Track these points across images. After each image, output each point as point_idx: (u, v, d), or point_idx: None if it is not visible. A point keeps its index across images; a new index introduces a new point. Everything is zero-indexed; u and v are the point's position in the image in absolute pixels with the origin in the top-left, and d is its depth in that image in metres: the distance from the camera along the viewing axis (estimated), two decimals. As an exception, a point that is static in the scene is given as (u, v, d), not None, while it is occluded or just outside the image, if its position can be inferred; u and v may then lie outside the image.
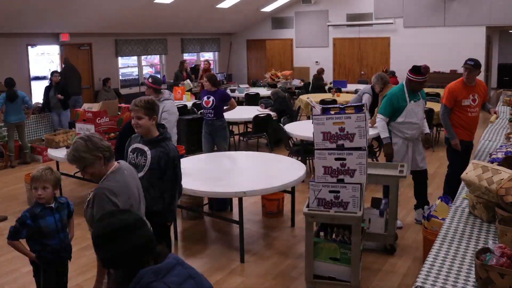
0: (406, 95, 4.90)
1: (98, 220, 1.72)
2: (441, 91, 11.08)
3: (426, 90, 11.24)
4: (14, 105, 8.12)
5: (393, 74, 12.38)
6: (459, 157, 5.13)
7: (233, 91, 12.03)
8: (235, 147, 8.88)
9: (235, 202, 5.40)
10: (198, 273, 1.70)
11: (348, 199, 3.58)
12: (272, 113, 8.48)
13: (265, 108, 8.99)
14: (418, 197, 5.31)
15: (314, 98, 9.52)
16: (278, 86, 12.45)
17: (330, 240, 3.71)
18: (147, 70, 14.96)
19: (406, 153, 5.03)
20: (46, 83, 10.36)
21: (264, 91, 12.02)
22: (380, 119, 4.99)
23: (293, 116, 8.91)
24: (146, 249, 1.64)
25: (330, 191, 3.57)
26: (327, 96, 10.63)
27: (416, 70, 4.86)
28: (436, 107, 8.84)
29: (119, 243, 1.61)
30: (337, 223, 3.71)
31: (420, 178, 5.24)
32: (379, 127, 4.99)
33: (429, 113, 8.50)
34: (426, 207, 4.87)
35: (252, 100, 11.08)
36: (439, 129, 9.20)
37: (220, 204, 5.75)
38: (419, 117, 4.96)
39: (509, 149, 3.77)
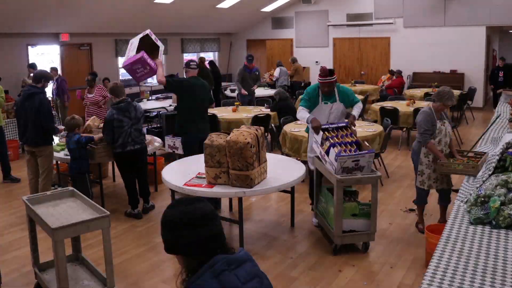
0: (319, 95, 5.11)
1: (173, 206, 1.69)
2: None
3: (425, 90, 11.33)
4: None
5: (400, 73, 12.50)
6: None
7: (233, 91, 12.03)
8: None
9: (235, 202, 5.40)
10: (262, 272, 1.75)
11: (364, 163, 4.40)
12: (272, 113, 8.48)
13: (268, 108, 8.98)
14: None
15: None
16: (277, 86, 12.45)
17: (350, 201, 4.65)
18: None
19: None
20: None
21: (263, 91, 12.02)
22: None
23: (295, 117, 8.90)
24: (218, 241, 1.65)
25: (353, 161, 4.40)
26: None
27: (320, 71, 5.05)
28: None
29: (193, 232, 1.61)
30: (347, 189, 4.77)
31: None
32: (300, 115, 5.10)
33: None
34: None
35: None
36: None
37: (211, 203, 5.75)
38: (324, 119, 5.02)
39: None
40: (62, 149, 6.03)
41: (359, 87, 12.56)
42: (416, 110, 8.57)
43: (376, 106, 9.34)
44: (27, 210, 3.93)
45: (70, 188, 3.90)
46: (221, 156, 4.35)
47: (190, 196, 1.68)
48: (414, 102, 9.39)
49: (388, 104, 9.44)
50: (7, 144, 8.50)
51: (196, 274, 1.58)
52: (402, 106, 9.12)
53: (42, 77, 5.50)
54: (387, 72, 13.32)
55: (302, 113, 5.02)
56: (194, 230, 1.62)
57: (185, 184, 4.48)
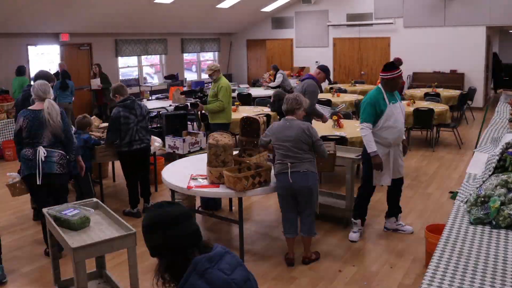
0: (385, 97, 4.56)
1: (147, 210, 1.82)
2: (441, 91, 11.11)
3: (425, 90, 11.35)
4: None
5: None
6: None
7: (233, 91, 12.01)
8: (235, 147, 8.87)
9: (235, 202, 5.40)
10: (242, 261, 1.82)
11: None
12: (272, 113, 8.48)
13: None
14: (392, 205, 5.00)
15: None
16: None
17: None
18: (147, 70, 14.97)
19: (387, 162, 4.64)
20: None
21: (262, 91, 12.02)
22: (365, 128, 4.55)
23: None
24: (190, 241, 1.72)
25: None
26: (326, 96, 10.63)
27: (390, 66, 4.58)
28: (436, 107, 8.85)
29: (163, 234, 1.71)
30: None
31: (397, 185, 4.87)
32: (366, 139, 4.55)
33: (429, 113, 8.49)
34: (399, 215, 5.06)
35: (246, 100, 11.01)
36: (439, 129, 9.20)
37: (211, 203, 5.74)
38: (399, 120, 4.62)
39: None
40: None
41: (359, 87, 12.57)
42: (416, 110, 8.59)
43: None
44: (48, 225, 3.49)
45: (95, 199, 3.77)
46: (226, 156, 4.36)
47: (165, 200, 1.84)
48: (414, 102, 9.39)
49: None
50: (7, 144, 8.55)
51: (183, 279, 1.63)
52: (402, 106, 9.11)
53: (41, 78, 5.30)
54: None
55: (369, 137, 4.51)
56: (164, 232, 1.70)
57: (188, 187, 4.43)
